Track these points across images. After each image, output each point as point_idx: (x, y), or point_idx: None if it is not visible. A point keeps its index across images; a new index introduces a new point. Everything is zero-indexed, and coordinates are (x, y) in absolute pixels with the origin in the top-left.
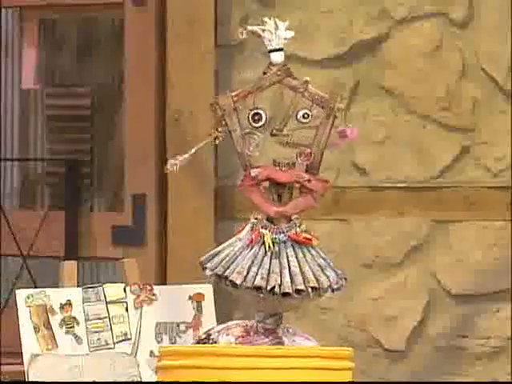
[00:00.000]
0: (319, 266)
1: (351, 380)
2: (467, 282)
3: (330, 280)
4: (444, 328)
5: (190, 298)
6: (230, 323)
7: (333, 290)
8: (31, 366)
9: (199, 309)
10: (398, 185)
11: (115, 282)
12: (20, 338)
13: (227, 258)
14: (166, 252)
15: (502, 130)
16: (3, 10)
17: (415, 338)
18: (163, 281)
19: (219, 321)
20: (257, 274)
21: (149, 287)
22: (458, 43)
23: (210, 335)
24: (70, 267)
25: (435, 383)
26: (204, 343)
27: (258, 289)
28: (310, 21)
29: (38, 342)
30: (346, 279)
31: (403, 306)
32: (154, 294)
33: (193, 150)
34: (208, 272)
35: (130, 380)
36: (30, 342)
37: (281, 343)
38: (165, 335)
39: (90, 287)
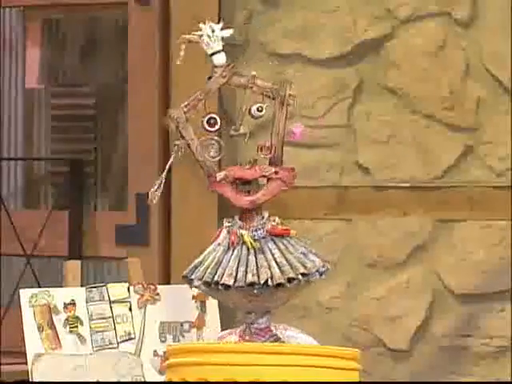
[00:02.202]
0: (302, 253)
1: (358, 380)
2: (471, 281)
3: (316, 264)
4: (448, 327)
5: (194, 297)
6: (222, 333)
7: (321, 274)
8: (35, 366)
9: (203, 308)
10: (402, 184)
11: (119, 282)
12: (24, 338)
13: (212, 265)
14: (170, 251)
15: (506, 129)
16: (7, 10)
17: (419, 337)
18: (167, 280)
19: (223, 320)
20: (247, 272)
21: (152, 287)
22: (461, 43)
23: None
24: (73, 267)
25: (439, 383)
26: None
27: (251, 285)
28: (314, 20)
29: (42, 341)
30: (329, 262)
31: (407, 305)
32: (157, 294)
33: (163, 176)
34: (196, 282)
35: (134, 380)
36: (33, 341)
37: (278, 339)
38: (168, 335)
39: (94, 287)
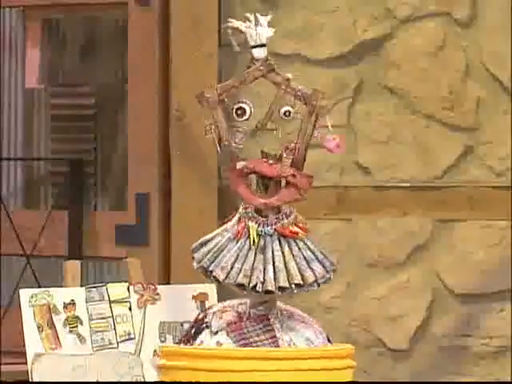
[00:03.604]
0: (306, 259)
1: (353, 378)
2: (471, 281)
3: (315, 275)
4: (448, 327)
5: (194, 297)
6: (226, 303)
7: (318, 285)
8: (35, 366)
9: (203, 308)
10: (402, 184)
11: (119, 282)
12: (24, 338)
13: (214, 250)
14: (170, 251)
15: (506, 129)
16: (7, 10)
17: (419, 337)
18: (167, 280)
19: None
20: (240, 271)
21: (152, 287)
22: (461, 43)
23: (206, 316)
24: (73, 267)
25: (439, 383)
26: (200, 324)
27: (241, 286)
28: (313, 20)
29: (42, 341)
30: (334, 270)
31: (407, 305)
32: (157, 294)
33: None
34: (195, 264)
35: (134, 380)
36: (33, 341)
37: (271, 331)
38: (168, 335)
39: (94, 287)
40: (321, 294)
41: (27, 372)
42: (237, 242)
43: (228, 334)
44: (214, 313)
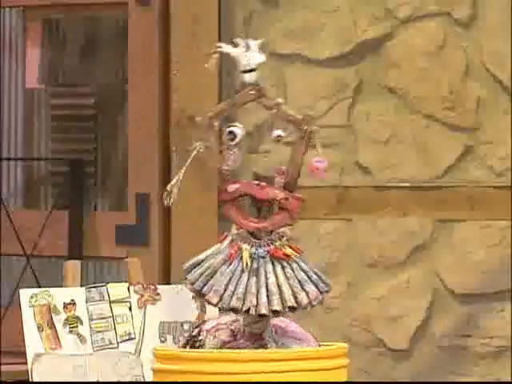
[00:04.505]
0: (299, 281)
1: (347, 377)
2: (471, 281)
3: (309, 297)
4: (448, 327)
5: (194, 297)
6: (220, 321)
7: (312, 306)
8: (35, 366)
9: (203, 308)
10: (402, 184)
11: (119, 282)
12: (24, 338)
13: (207, 272)
14: (170, 251)
15: (506, 129)
16: (7, 10)
17: (419, 337)
18: (167, 280)
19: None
20: (233, 294)
21: (152, 287)
22: (461, 43)
23: (199, 334)
24: (73, 267)
25: (439, 383)
26: (194, 342)
27: (234, 310)
28: (313, 20)
29: (42, 341)
30: (327, 291)
31: (407, 305)
32: (157, 294)
33: (180, 174)
34: (188, 286)
35: (134, 380)
36: (33, 341)
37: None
38: (168, 335)
39: (94, 287)
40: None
41: (27, 372)
42: (229, 265)
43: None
44: (207, 331)
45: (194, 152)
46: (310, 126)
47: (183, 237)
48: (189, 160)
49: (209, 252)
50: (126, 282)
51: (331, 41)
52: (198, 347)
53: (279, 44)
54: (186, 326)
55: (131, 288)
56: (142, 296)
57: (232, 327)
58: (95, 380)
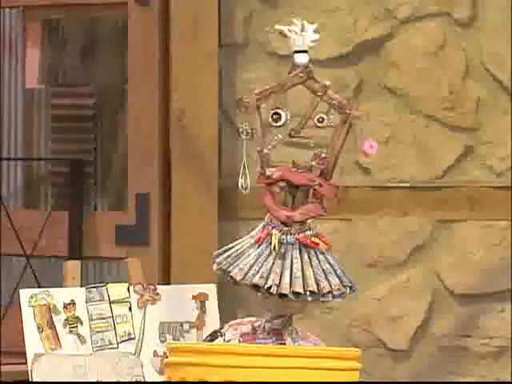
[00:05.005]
0: (323, 270)
1: (357, 380)
2: (471, 281)
3: (331, 286)
4: (448, 328)
5: (194, 297)
6: (245, 319)
7: (333, 297)
8: (35, 366)
9: (203, 308)
10: (402, 184)
11: (119, 282)
12: (24, 338)
13: (235, 254)
14: (170, 251)
15: (506, 129)
16: (7, 10)
17: (419, 337)
18: (167, 280)
19: (223, 320)
20: (257, 273)
21: (152, 287)
22: (461, 43)
23: (222, 327)
24: (73, 267)
25: (439, 383)
26: (215, 333)
27: (256, 287)
28: (313, 20)
29: (42, 341)
30: (351, 288)
31: (407, 305)
32: (157, 294)
33: (244, 160)
34: (215, 266)
35: (134, 380)
36: (33, 341)
37: (283, 344)
38: (168, 335)
39: (94, 287)
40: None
41: (27, 372)
42: (258, 247)
43: (239, 343)
44: (230, 325)
45: (242, 136)
46: (353, 111)
47: (183, 237)
48: (244, 145)
49: (239, 240)
50: (125, 282)
51: (331, 41)
52: (217, 337)
53: (279, 44)
54: (185, 326)
55: (131, 288)
56: (142, 296)
57: (255, 324)
58: (95, 380)
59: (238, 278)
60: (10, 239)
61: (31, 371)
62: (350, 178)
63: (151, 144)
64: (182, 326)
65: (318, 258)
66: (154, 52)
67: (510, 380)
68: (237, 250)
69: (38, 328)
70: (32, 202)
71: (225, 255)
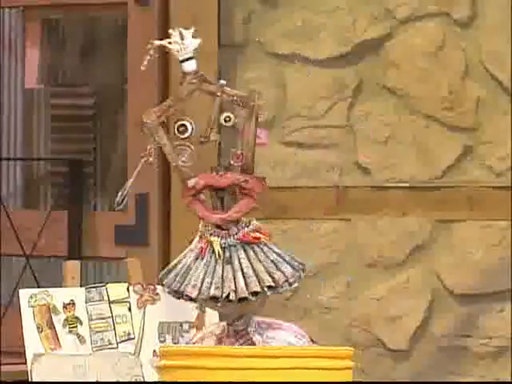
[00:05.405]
0: (273, 262)
1: (351, 379)
2: (470, 281)
3: (285, 275)
4: (447, 328)
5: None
6: (206, 331)
7: (290, 285)
8: (34, 366)
9: (202, 308)
10: (402, 184)
11: (118, 282)
12: (23, 338)
13: (181, 272)
14: (169, 252)
15: (506, 129)
16: (7, 10)
17: (418, 337)
18: None
19: (221, 319)
20: (211, 284)
21: (152, 287)
22: (461, 43)
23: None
24: (73, 267)
25: (438, 383)
26: None
27: (214, 298)
28: (313, 20)
29: (41, 341)
30: (303, 270)
31: (406, 305)
32: (157, 294)
33: (129, 182)
34: (166, 289)
35: (133, 380)
36: (33, 341)
37: (252, 344)
38: (168, 335)
39: (93, 287)
40: (320, 295)
41: (27, 372)
42: (202, 259)
43: None
44: (194, 344)
45: (145, 157)
46: (256, 101)
47: (183, 237)
48: (139, 165)
49: (180, 256)
50: (125, 282)
51: (330, 41)
52: None
53: (278, 44)
54: (185, 326)
55: (131, 288)
56: (142, 296)
57: (217, 332)
58: (95, 380)
59: (194, 295)
60: (10, 239)
61: (31, 371)
62: (350, 178)
63: (151, 144)
64: (181, 325)
65: (263, 250)
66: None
67: (509, 380)
68: (182, 266)
69: (38, 328)
70: (31, 202)
71: (172, 275)
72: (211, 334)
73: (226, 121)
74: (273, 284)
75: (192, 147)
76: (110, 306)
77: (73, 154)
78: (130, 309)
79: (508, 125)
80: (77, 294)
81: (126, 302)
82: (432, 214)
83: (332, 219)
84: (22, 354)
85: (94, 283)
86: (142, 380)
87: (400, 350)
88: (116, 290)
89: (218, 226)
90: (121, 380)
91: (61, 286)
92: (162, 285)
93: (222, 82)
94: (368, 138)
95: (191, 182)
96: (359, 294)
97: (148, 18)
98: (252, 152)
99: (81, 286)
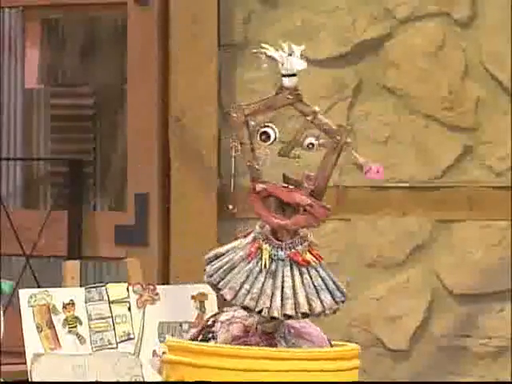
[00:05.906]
0: (315, 288)
1: (357, 379)
2: (470, 281)
3: (323, 305)
4: (447, 328)
5: (193, 297)
6: (235, 314)
7: (325, 315)
8: (34, 366)
9: (202, 308)
10: (401, 184)
11: (118, 282)
12: (23, 338)
13: (225, 266)
14: (169, 251)
15: (506, 129)
16: (7, 10)
17: (418, 337)
18: (166, 280)
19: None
20: (248, 293)
21: (152, 287)
22: (461, 43)
23: (213, 324)
24: (72, 267)
25: (438, 383)
26: (207, 333)
27: (247, 308)
28: (313, 20)
29: (41, 341)
30: (343, 302)
31: (406, 305)
32: (156, 294)
33: (232, 171)
34: (205, 277)
35: (133, 380)
36: (32, 341)
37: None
38: (168, 335)
39: (93, 287)
40: None
41: (27, 372)
42: (248, 263)
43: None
44: (221, 323)
45: (233, 153)
46: (343, 138)
47: (182, 237)
48: (233, 162)
49: (230, 246)
50: (125, 282)
51: (330, 41)
52: (210, 339)
53: (278, 44)
54: (185, 326)
55: (130, 288)
56: (141, 296)
57: (246, 322)
58: (94, 380)
59: (229, 297)
60: (10, 239)
61: (31, 371)
62: (350, 178)
63: (150, 144)
64: (181, 325)
65: (309, 273)
66: (153, 52)
67: (509, 380)
68: (228, 261)
69: (38, 328)
70: (31, 202)
71: (216, 265)
72: (240, 321)
73: (308, 147)
74: (308, 312)
75: (269, 153)
76: (109, 306)
77: (73, 154)
78: (129, 309)
79: (508, 125)
80: (76, 293)
81: (125, 301)
82: (432, 214)
83: (332, 219)
84: (22, 354)
85: (94, 283)
86: (141, 380)
87: (400, 350)
88: (116, 289)
89: (273, 234)
90: (121, 380)
91: (60, 286)
92: (204, 270)
93: (316, 108)
94: (368, 138)
95: (259, 187)
96: (359, 293)
97: (148, 18)
98: (326, 181)
99: (81, 285)
